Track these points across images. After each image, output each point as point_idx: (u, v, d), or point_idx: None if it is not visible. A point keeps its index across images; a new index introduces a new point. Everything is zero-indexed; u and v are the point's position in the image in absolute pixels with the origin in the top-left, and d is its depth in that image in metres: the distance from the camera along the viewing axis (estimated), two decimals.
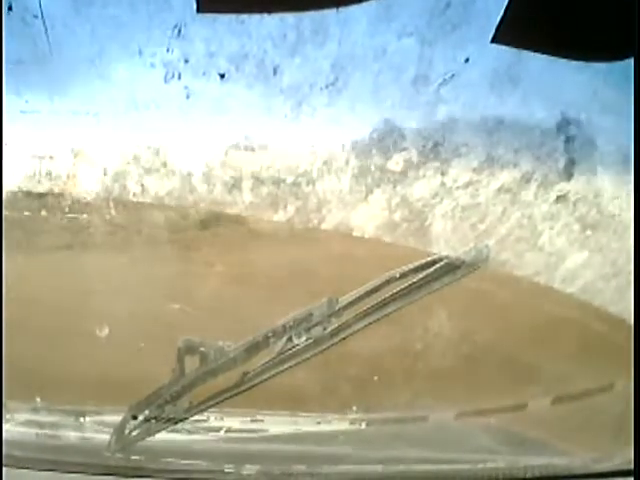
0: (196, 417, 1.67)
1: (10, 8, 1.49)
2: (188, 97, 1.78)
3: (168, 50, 1.70)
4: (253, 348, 1.63)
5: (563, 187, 1.88)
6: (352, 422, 2.08)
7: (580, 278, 1.93)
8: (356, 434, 2.02)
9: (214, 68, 1.72)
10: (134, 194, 2.03)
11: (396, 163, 1.94)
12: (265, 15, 1.40)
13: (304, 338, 1.62)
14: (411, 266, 1.67)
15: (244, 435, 1.91)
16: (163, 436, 1.63)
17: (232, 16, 1.48)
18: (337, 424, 2.10)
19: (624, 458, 1.47)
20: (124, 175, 1.99)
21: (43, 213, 2.10)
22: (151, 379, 1.67)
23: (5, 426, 1.64)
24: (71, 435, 1.76)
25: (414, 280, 1.64)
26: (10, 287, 1.60)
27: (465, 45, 1.72)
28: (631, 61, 1.38)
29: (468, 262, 1.69)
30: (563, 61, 1.51)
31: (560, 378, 1.96)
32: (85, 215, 2.08)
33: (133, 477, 1.53)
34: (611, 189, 1.84)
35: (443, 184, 1.93)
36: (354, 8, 1.44)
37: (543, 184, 1.87)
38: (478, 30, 1.65)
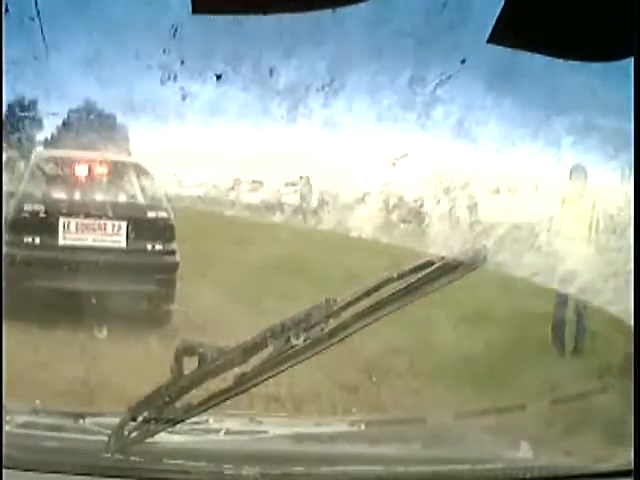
0: (196, 418, 1.66)
1: (6, 9, 1.49)
2: (184, 98, 1.78)
3: (164, 51, 1.69)
4: (251, 349, 1.62)
5: None
6: (351, 424, 2.07)
7: None
8: (356, 435, 2.02)
9: (210, 69, 1.71)
10: None
11: None
12: (261, 16, 1.40)
13: (302, 339, 1.61)
14: (409, 267, 1.66)
15: (244, 436, 1.91)
16: (162, 437, 1.62)
17: (228, 17, 1.48)
18: (336, 426, 2.10)
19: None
20: None
21: None
22: None
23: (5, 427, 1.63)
24: (70, 437, 1.76)
25: (412, 281, 1.63)
26: None
27: (461, 46, 1.72)
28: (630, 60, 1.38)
29: (466, 263, 1.68)
30: None
31: None
32: None
33: (132, 478, 1.52)
34: None
35: None
36: (350, 9, 1.44)
37: None
38: (474, 31, 1.64)
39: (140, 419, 1.63)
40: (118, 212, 5.23)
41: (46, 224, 5.20)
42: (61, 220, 5.18)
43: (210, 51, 1.71)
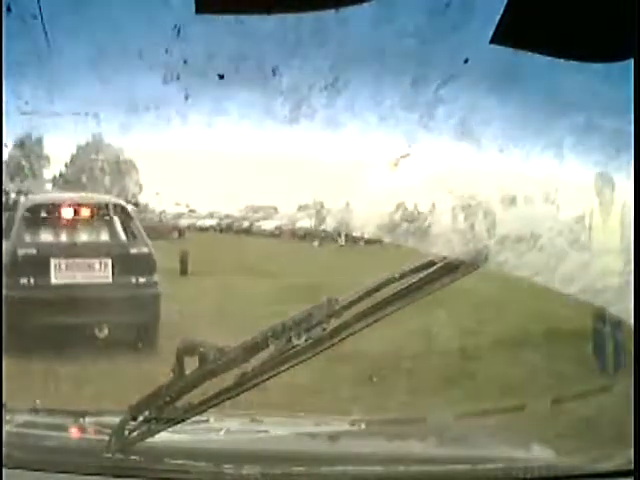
0: (196, 418, 1.66)
1: (9, 9, 1.48)
2: (187, 98, 1.77)
3: (167, 51, 1.69)
4: (252, 349, 1.62)
5: None
6: (351, 423, 2.08)
7: None
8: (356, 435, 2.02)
9: (213, 69, 1.71)
10: None
11: None
12: (265, 16, 1.40)
13: (304, 339, 1.60)
14: (411, 267, 1.66)
15: (244, 436, 1.91)
16: (163, 437, 1.62)
17: (231, 17, 1.48)
18: (336, 425, 2.10)
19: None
20: None
21: None
22: None
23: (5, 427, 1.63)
24: (71, 436, 1.76)
25: (414, 281, 1.63)
26: None
27: (464, 46, 1.72)
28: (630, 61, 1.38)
29: (467, 262, 1.68)
30: None
31: None
32: None
33: (133, 477, 1.52)
34: None
35: None
36: (353, 9, 1.44)
37: None
38: (477, 31, 1.64)
39: (141, 419, 1.63)
40: (103, 250, 5.98)
41: (39, 266, 5.80)
42: (52, 262, 5.77)
43: (213, 51, 1.71)
